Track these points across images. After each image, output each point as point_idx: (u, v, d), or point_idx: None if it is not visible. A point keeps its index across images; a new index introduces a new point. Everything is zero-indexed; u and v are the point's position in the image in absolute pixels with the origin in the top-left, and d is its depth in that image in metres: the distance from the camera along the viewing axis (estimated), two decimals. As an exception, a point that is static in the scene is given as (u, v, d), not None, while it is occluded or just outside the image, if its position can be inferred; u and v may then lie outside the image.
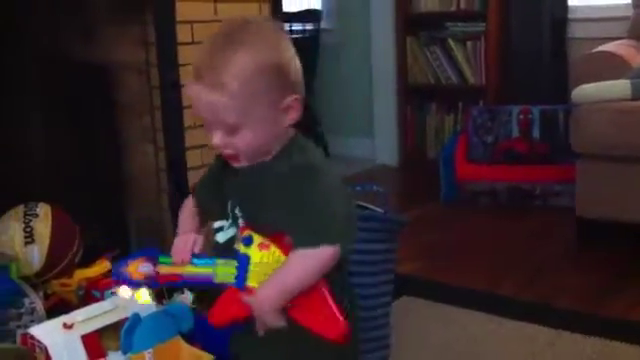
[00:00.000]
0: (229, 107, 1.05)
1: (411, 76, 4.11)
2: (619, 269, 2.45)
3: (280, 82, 1.07)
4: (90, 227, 2.17)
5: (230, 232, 1.15)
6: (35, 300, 1.81)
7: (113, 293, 1.88)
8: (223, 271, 1.11)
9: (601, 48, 2.84)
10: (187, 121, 2.43)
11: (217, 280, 1.12)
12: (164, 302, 1.86)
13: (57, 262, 2.03)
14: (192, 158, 2.48)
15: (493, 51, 3.81)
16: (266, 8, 2.66)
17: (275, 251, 1.09)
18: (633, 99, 2.53)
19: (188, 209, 1.24)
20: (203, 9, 2.44)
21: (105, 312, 1.65)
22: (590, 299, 2.22)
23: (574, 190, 2.69)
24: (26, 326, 1.67)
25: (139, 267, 1.17)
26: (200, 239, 1.17)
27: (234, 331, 1.21)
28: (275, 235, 1.09)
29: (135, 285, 1.20)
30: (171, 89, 2.36)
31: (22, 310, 1.76)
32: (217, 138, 1.10)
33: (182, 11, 2.36)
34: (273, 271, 1.08)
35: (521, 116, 3.37)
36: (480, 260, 2.64)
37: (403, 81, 4.13)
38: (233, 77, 1.04)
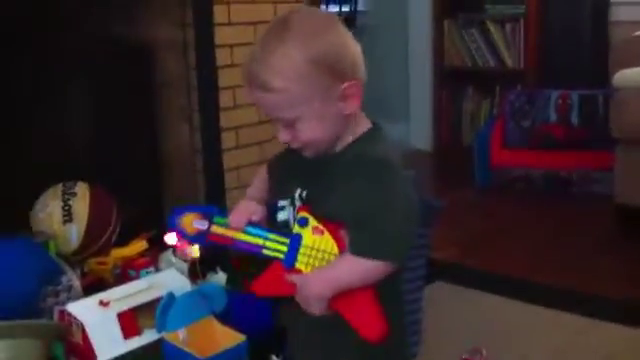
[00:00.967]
0: (280, 104, 1.06)
1: (448, 59, 4.06)
2: (658, 258, 2.41)
3: (328, 70, 1.05)
4: (127, 207, 2.19)
5: (290, 212, 1.15)
6: (72, 278, 1.84)
7: (148, 272, 1.91)
8: (273, 245, 1.12)
9: (644, 32, 2.78)
10: (223, 102, 2.44)
11: (265, 252, 1.13)
12: (198, 282, 1.88)
13: (94, 241, 2.06)
14: (227, 139, 2.49)
15: (532, 34, 3.74)
16: (303, -11, 2.65)
17: (329, 240, 1.09)
18: (676, 85, 2.48)
19: (260, 177, 1.25)
20: (240, -10, 2.44)
21: (140, 291, 1.67)
22: (628, 287, 2.19)
23: (613, 177, 2.64)
24: (63, 303, 1.70)
25: (194, 222, 1.17)
26: (260, 209, 1.17)
27: (282, 303, 1.22)
28: (332, 224, 1.09)
29: (185, 237, 1.19)
30: (208, 70, 2.37)
31: (59, 287, 1.78)
32: (282, 134, 1.10)
33: (220, -9, 2.36)
34: (323, 259, 1.09)
35: (560, 101, 3.31)
36: (515, 247, 2.62)
37: (439, 64, 4.09)
38: (280, 75, 1.04)
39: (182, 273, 1.85)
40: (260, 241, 1.13)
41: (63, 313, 1.61)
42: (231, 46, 2.44)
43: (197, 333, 1.56)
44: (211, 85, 2.41)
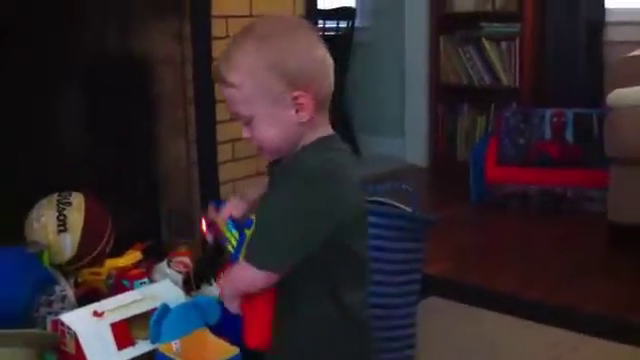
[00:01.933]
0: (236, 99, 1.11)
1: (444, 76, 4.09)
2: (650, 276, 2.42)
3: (280, 76, 1.08)
4: (123, 218, 2.19)
5: None
6: (66, 288, 1.83)
7: (142, 283, 1.91)
8: (233, 242, 1.19)
9: (638, 52, 2.80)
10: (219, 115, 2.45)
11: (229, 248, 1.20)
12: (192, 294, 1.88)
13: (89, 251, 2.06)
14: (223, 152, 2.49)
15: (528, 52, 3.77)
16: (300, 5, 2.67)
17: None
18: (670, 104, 2.50)
19: (263, 183, 1.29)
20: (238, 4, 2.46)
21: (134, 302, 1.67)
22: (620, 305, 2.19)
23: (606, 195, 2.66)
24: (57, 313, 1.69)
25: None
26: (242, 205, 1.24)
27: None
28: None
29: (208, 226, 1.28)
30: (204, 83, 2.39)
31: (53, 297, 1.78)
32: (244, 131, 1.15)
33: (217, 6, 2.38)
34: None
35: (554, 119, 3.33)
36: (509, 263, 2.62)
37: (435, 81, 4.11)
38: (236, 71, 1.09)
39: (176, 284, 1.85)
40: (230, 236, 1.19)
41: (57, 323, 1.60)
42: (228, 60, 2.45)
43: (191, 345, 1.56)
44: (208, 98, 2.42)
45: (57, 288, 1.80)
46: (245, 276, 1.10)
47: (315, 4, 2.81)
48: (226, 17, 2.42)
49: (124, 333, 1.60)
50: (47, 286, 1.79)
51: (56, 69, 2.20)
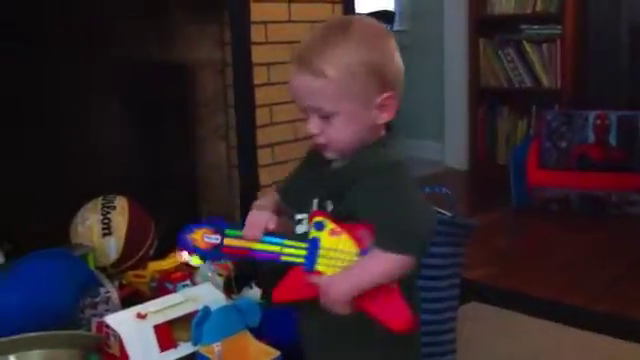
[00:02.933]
0: (327, 93, 1.09)
1: (483, 79, 4.06)
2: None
3: (376, 77, 1.10)
4: (165, 221, 2.22)
5: (308, 224, 1.16)
6: (110, 290, 1.87)
7: (184, 286, 1.93)
8: (291, 251, 1.13)
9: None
10: (259, 119, 2.48)
11: (284, 259, 1.14)
12: (233, 297, 1.90)
13: (132, 254, 2.10)
14: (263, 156, 2.52)
15: (569, 54, 3.72)
16: (339, 9, 2.68)
17: (347, 240, 1.10)
18: None
19: (269, 196, 1.26)
20: (277, 10, 2.48)
21: (177, 304, 1.69)
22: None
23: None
24: (101, 315, 1.73)
25: (205, 237, 1.19)
26: (275, 218, 1.18)
27: (302, 315, 1.23)
28: (348, 225, 1.10)
29: (198, 253, 1.21)
30: (244, 88, 2.41)
31: (98, 299, 1.82)
32: (313, 124, 1.13)
33: (257, 12, 2.40)
34: (344, 260, 1.10)
35: (597, 121, 3.28)
36: (550, 268, 2.59)
37: (475, 84, 4.09)
38: (334, 66, 1.08)
39: (217, 287, 1.87)
40: (277, 248, 1.14)
41: (101, 324, 1.63)
42: (268, 65, 2.48)
43: (232, 347, 1.57)
44: (248, 103, 2.44)
45: (101, 290, 1.84)
46: (388, 266, 1.07)
47: (354, 8, 2.81)
48: (265, 23, 2.45)
49: (167, 335, 1.62)
50: (92, 288, 1.82)
51: (103, 76, 2.24)
